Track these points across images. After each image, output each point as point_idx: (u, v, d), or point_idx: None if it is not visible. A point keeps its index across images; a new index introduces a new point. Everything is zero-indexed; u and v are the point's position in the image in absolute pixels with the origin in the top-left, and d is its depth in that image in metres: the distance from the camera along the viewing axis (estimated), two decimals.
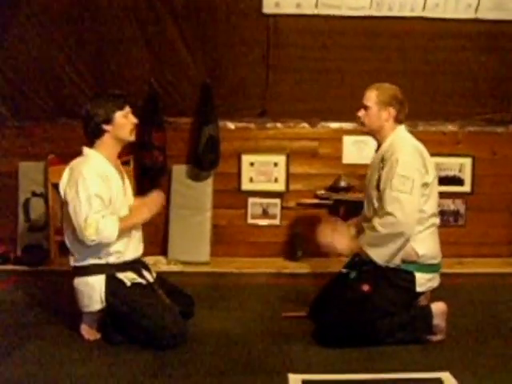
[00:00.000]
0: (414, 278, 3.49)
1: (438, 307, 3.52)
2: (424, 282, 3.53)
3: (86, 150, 3.60)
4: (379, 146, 3.86)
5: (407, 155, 3.57)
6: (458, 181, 5.93)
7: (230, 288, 4.85)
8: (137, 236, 3.67)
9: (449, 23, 5.43)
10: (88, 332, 3.54)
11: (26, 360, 3.22)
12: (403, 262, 3.47)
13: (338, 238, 3.64)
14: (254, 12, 5.17)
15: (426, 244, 3.56)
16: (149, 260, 5.48)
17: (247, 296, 4.59)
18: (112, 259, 3.48)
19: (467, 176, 5.93)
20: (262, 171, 5.82)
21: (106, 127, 3.53)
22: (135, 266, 3.59)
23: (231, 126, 5.80)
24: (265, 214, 5.85)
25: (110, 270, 3.46)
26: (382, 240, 3.41)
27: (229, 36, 5.31)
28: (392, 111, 3.72)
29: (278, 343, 3.47)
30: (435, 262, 3.61)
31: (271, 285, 4.98)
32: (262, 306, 4.26)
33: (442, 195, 5.84)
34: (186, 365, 3.15)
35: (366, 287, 3.45)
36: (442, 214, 5.89)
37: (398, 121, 3.76)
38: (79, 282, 3.51)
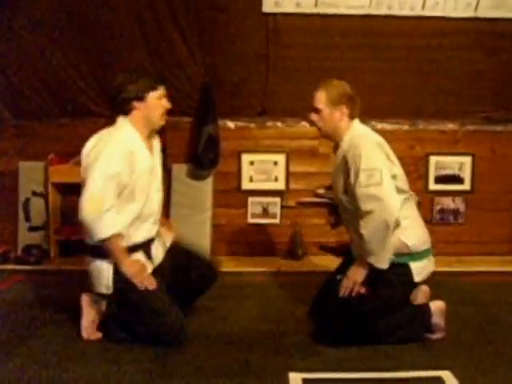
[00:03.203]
0: (409, 269, 3.44)
1: (436, 306, 3.52)
2: (420, 270, 3.48)
3: (120, 119, 3.49)
4: (336, 146, 3.76)
5: (368, 149, 3.44)
6: (457, 179, 5.93)
7: (230, 287, 4.84)
8: (151, 219, 3.58)
9: (448, 22, 5.43)
10: (88, 331, 3.53)
11: (26, 360, 3.22)
12: (396, 255, 3.40)
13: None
14: (254, 11, 5.17)
15: (412, 232, 3.49)
16: None
17: (247, 295, 4.58)
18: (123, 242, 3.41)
19: (467, 174, 5.93)
20: (262, 170, 5.82)
21: (136, 104, 3.44)
22: (144, 246, 3.54)
23: (231, 125, 5.80)
24: (265, 213, 5.85)
25: None
26: (375, 242, 3.32)
27: (228, 35, 5.32)
28: (344, 109, 3.63)
29: (279, 342, 3.47)
30: (426, 247, 3.56)
31: (272, 284, 4.97)
32: (262, 306, 4.26)
33: (442, 193, 5.92)
34: (187, 364, 3.15)
35: (362, 289, 3.43)
36: (442, 212, 5.91)
37: (351, 117, 3.66)
38: (88, 262, 3.47)
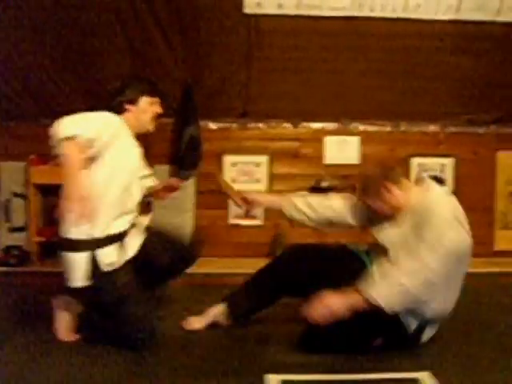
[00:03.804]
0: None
1: None
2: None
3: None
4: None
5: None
6: (439, 181, 5.93)
7: (212, 289, 4.82)
8: (132, 215, 3.52)
9: (430, 24, 5.48)
10: (63, 333, 3.49)
11: (4, 363, 3.19)
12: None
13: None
14: (236, 12, 5.19)
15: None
16: None
17: None
18: (97, 233, 3.32)
19: (449, 176, 5.96)
20: (244, 172, 5.82)
21: (128, 106, 3.51)
22: (118, 239, 3.44)
23: (213, 126, 5.80)
24: (247, 214, 5.81)
25: (91, 247, 3.30)
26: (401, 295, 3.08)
27: (210, 36, 5.33)
28: (389, 184, 3.33)
29: (258, 344, 3.44)
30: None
31: None
32: None
33: None
34: (163, 365, 3.12)
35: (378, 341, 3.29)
36: None
37: (399, 184, 3.35)
38: (61, 255, 3.38)
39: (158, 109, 3.64)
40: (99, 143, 3.26)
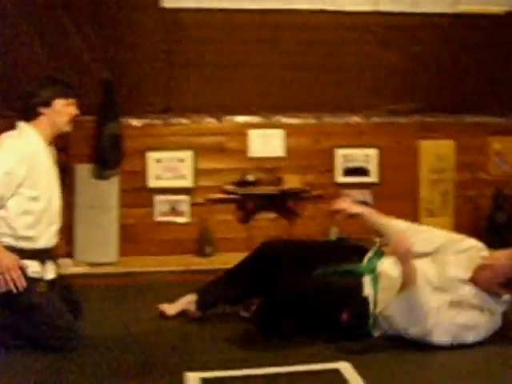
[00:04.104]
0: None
1: None
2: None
3: (21, 124, 3.47)
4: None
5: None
6: (364, 172, 6.00)
7: (137, 288, 4.78)
8: (53, 228, 3.50)
9: (350, 16, 5.51)
10: None
11: None
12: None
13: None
14: (153, 6, 5.12)
15: None
16: None
17: (154, 295, 4.49)
18: (22, 244, 3.32)
19: (373, 166, 6.01)
20: (169, 168, 5.74)
21: (42, 110, 3.44)
22: (42, 255, 3.42)
23: (136, 123, 5.68)
24: (173, 211, 5.76)
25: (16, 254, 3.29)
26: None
27: (128, 31, 5.25)
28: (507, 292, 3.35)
29: (179, 342, 3.42)
30: None
31: (180, 283, 4.90)
32: None
33: (350, 186, 5.97)
34: (83, 368, 3.06)
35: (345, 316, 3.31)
36: None
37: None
38: None
39: (73, 110, 3.57)
40: (25, 185, 3.30)
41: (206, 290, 3.88)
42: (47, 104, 3.45)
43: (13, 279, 3.22)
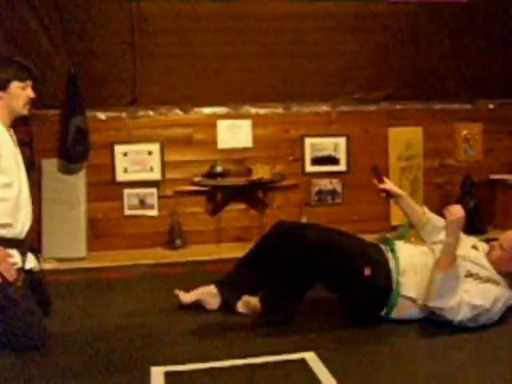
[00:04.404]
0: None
1: None
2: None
3: None
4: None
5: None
6: (333, 160, 5.99)
7: (107, 283, 4.72)
8: (25, 211, 3.44)
9: (315, 4, 5.51)
10: None
11: None
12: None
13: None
14: None
15: None
16: None
17: (122, 290, 4.46)
18: (2, 232, 3.27)
19: (342, 155, 6.01)
20: (137, 161, 5.69)
21: None
22: (21, 245, 3.38)
23: (102, 116, 5.62)
24: (142, 204, 5.72)
25: None
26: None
27: (91, 23, 5.22)
28: None
29: (144, 337, 3.37)
30: None
31: (149, 276, 4.88)
32: (136, 300, 4.13)
33: (319, 175, 5.97)
34: (47, 366, 3.01)
35: (367, 271, 3.34)
36: (320, 193, 5.97)
37: None
38: None
39: (30, 93, 3.45)
40: None
41: (222, 280, 3.79)
42: (3, 88, 3.34)
43: (4, 273, 3.17)
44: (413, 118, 6.16)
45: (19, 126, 5.20)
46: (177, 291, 3.77)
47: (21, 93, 3.40)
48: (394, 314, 3.39)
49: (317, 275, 3.39)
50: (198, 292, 3.76)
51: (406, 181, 6.16)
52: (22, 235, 3.43)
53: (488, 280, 3.34)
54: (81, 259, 5.40)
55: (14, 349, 3.19)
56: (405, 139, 6.16)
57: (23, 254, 3.40)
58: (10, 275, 3.21)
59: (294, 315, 3.45)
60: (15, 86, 3.37)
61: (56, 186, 5.50)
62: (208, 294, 3.74)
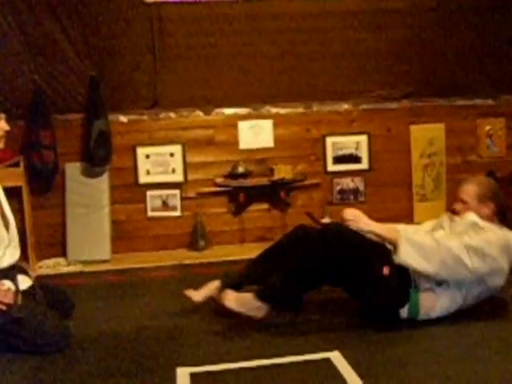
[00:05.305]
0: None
1: None
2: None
3: None
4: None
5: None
6: (355, 159, 5.98)
7: (131, 285, 4.75)
8: (13, 243, 3.48)
9: (335, 2, 5.48)
10: None
11: None
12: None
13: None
14: (136, 1, 5.08)
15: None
16: (48, 263, 5.41)
17: (147, 291, 4.50)
18: None
19: (364, 153, 5.99)
20: (159, 163, 5.72)
21: None
22: (10, 273, 3.43)
23: (123, 119, 5.66)
24: (165, 205, 5.75)
25: None
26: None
27: (112, 27, 5.23)
28: (492, 207, 3.54)
29: (169, 338, 3.39)
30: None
31: (173, 277, 4.90)
32: (159, 301, 4.16)
33: (341, 174, 5.96)
34: (72, 368, 3.04)
35: (386, 270, 3.31)
36: (342, 192, 5.96)
37: (496, 216, 3.56)
38: None
39: (4, 126, 3.42)
40: None
41: (227, 274, 3.80)
42: None
43: (2, 300, 3.21)
44: (434, 115, 6.12)
45: (42, 130, 5.33)
46: (186, 292, 3.77)
47: None
48: (422, 315, 3.35)
49: (332, 274, 3.35)
50: (208, 288, 3.76)
51: (428, 178, 6.12)
52: (12, 264, 3.44)
53: (472, 228, 3.39)
54: (105, 261, 5.44)
55: (36, 354, 3.23)
56: (427, 136, 6.12)
57: (14, 280, 3.41)
58: (8, 300, 3.24)
59: (301, 304, 3.40)
60: None
61: (79, 189, 5.55)
62: (216, 289, 3.73)
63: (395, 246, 3.24)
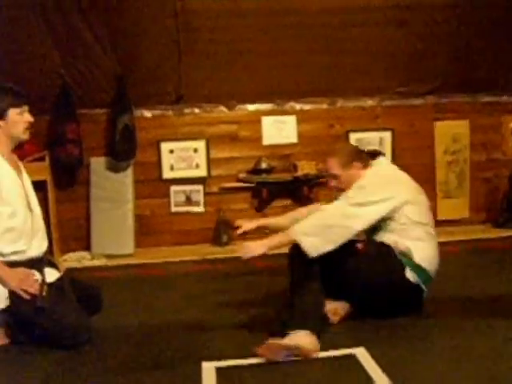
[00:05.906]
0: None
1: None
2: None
3: None
4: None
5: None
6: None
7: (154, 279, 4.79)
8: (40, 234, 3.52)
9: None
10: None
11: None
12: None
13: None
14: None
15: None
16: (72, 256, 5.46)
17: (170, 286, 4.53)
18: (14, 257, 3.34)
19: (387, 149, 5.97)
20: (183, 158, 5.75)
21: None
22: (38, 264, 3.46)
23: (148, 114, 5.70)
24: (188, 201, 5.78)
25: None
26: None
27: (137, 23, 5.24)
28: (358, 164, 3.58)
29: (194, 333, 3.41)
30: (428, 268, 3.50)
31: (196, 272, 4.93)
32: (183, 296, 4.20)
33: None
34: (97, 361, 3.07)
35: (360, 245, 3.40)
36: None
37: (365, 167, 3.60)
38: None
39: (28, 117, 3.46)
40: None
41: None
42: (1, 116, 3.37)
43: (27, 289, 3.26)
44: (459, 112, 6.08)
45: (68, 125, 5.37)
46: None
47: (20, 119, 3.41)
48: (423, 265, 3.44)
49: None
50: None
51: (452, 175, 6.09)
52: (40, 256, 3.48)
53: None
54: (129, 256, 5.48)
55: (59, 346, 3.26)
56: (451, 133, 6.09)
57: (41, 271, 3.45)
58: (34, 289, 3.28)
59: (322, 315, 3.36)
60: (13, 113, 3.39)
61: (104, 183, 5.59)
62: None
63: (298, 244, 3.29)
